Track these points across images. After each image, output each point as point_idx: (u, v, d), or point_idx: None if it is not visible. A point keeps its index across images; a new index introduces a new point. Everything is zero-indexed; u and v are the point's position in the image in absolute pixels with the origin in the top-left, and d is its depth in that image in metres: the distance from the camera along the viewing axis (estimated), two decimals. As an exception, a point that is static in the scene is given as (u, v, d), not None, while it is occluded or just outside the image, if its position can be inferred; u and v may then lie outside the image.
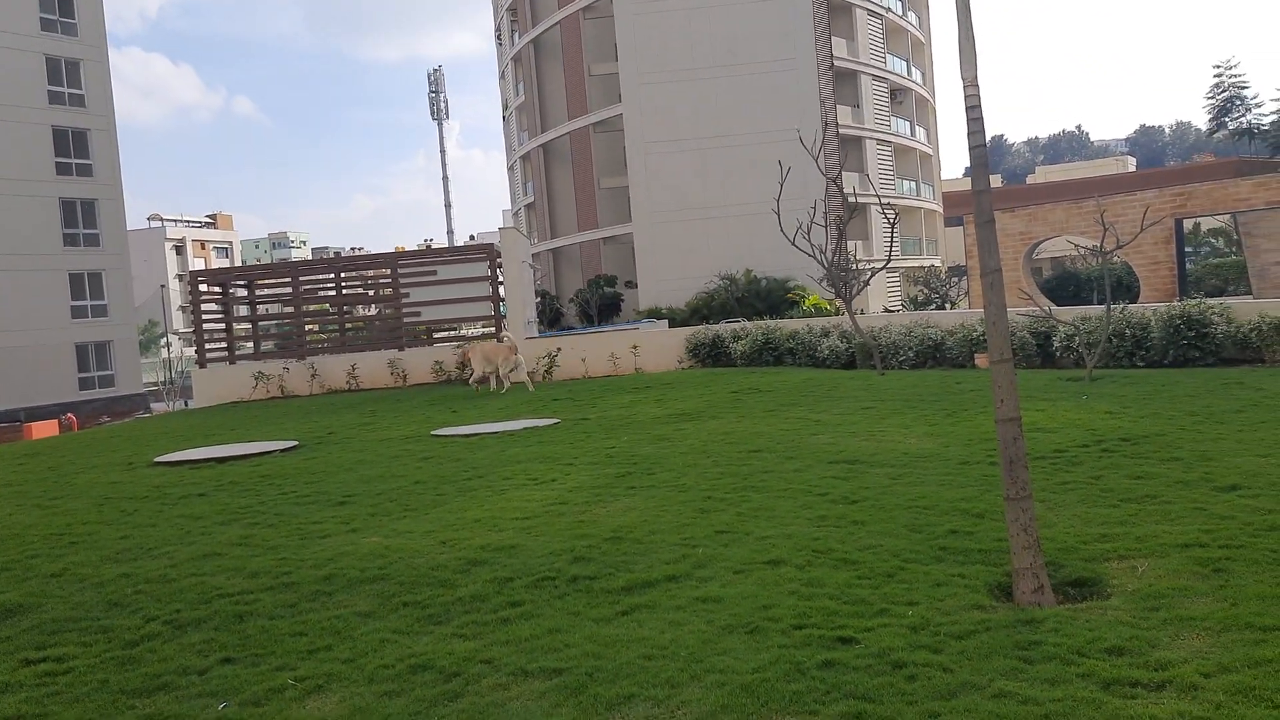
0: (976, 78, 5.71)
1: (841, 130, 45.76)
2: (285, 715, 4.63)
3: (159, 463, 12.57)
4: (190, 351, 74.24)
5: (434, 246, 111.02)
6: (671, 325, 34.86)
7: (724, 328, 24.40)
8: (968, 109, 5.73)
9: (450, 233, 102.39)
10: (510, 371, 19.77)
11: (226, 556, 7.38)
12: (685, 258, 44.05)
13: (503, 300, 25.41)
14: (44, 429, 28.56)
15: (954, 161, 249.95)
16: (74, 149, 45.26)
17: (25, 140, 43.10)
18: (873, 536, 6.77)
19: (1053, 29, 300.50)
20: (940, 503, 7.54)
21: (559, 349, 23.64)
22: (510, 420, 14.53)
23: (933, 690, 4.31)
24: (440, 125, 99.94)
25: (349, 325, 27.50)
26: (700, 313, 40.17)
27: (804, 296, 39.16)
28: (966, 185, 65.24)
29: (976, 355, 18.41)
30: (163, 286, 74.05)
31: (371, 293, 28.60)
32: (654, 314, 40.72)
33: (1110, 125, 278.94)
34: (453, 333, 28.30)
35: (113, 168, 46.94)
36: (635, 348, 23.79)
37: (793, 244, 20.22)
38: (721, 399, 15.27)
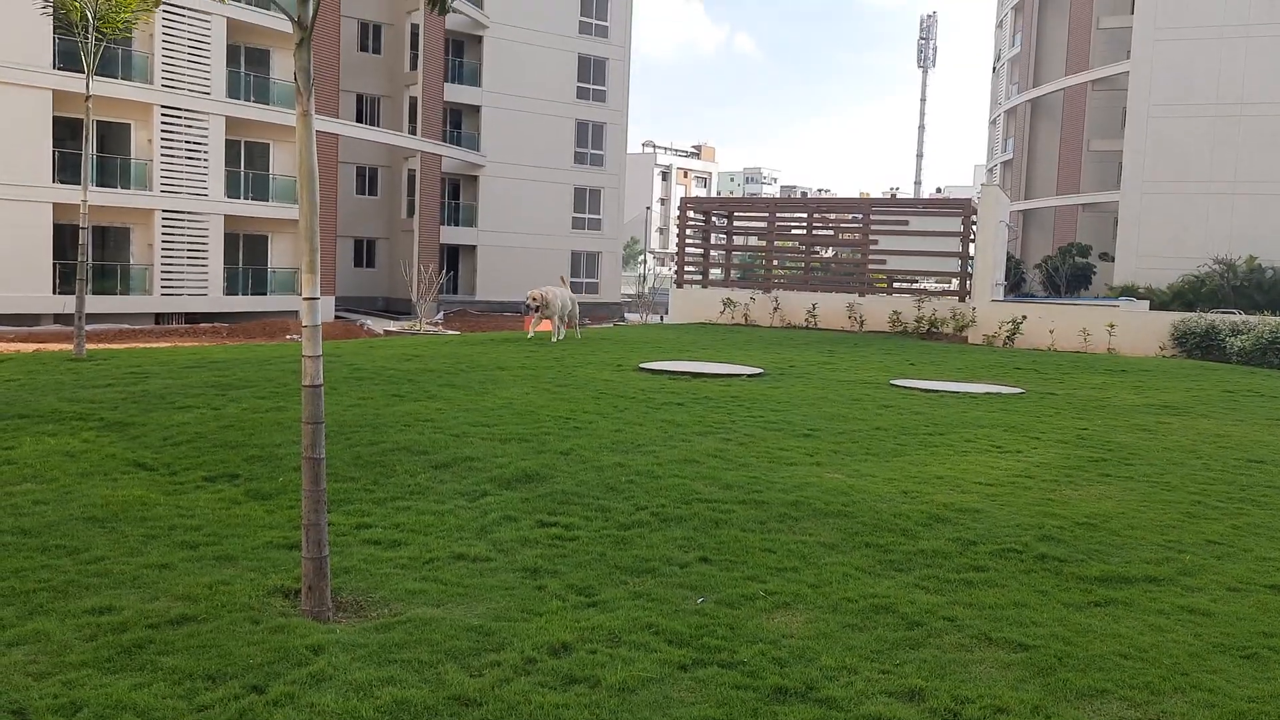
0: None
1: None
2: (755, 622, 5.01)
3: (643, 368, 13.86)
4: (661, 270, 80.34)
5: (899, 195, 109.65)
6: (1150, 308, 31.70)
7: (1220, 318, 21.79)
8: None
9: (918, 183, 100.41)
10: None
11: (704, 465, 8.03)
12: (1174, 235, 39.67)
13: (970, 258, 24.55)
14: (540, 323, 32.37)
15: None
16: (593, 76, 50.16)
17: (556, 65, 48.46)
18: None
19: None
20: None
21: (1024, 316, 22.58)
22: (971, 382, 14.16)
23: None
24: (925, 73, 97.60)
25: (813, 265, 28.14)
26: (1184, 297, 36.07)
27: (1315, 298, 33.73)
28: None
29: None
30: (647, 208, 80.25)
31: (840, 235, 28.95)
32: (1129, 292, 37.28)
33: None
34: (912, 284, 27.93)
35: (623, 96, 51.41)
36: (1111, 326, 21.99)
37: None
38: (1213, 396, 13.72)
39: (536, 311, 18.00)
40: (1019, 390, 13.51)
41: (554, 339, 17.98)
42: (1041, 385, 14.23)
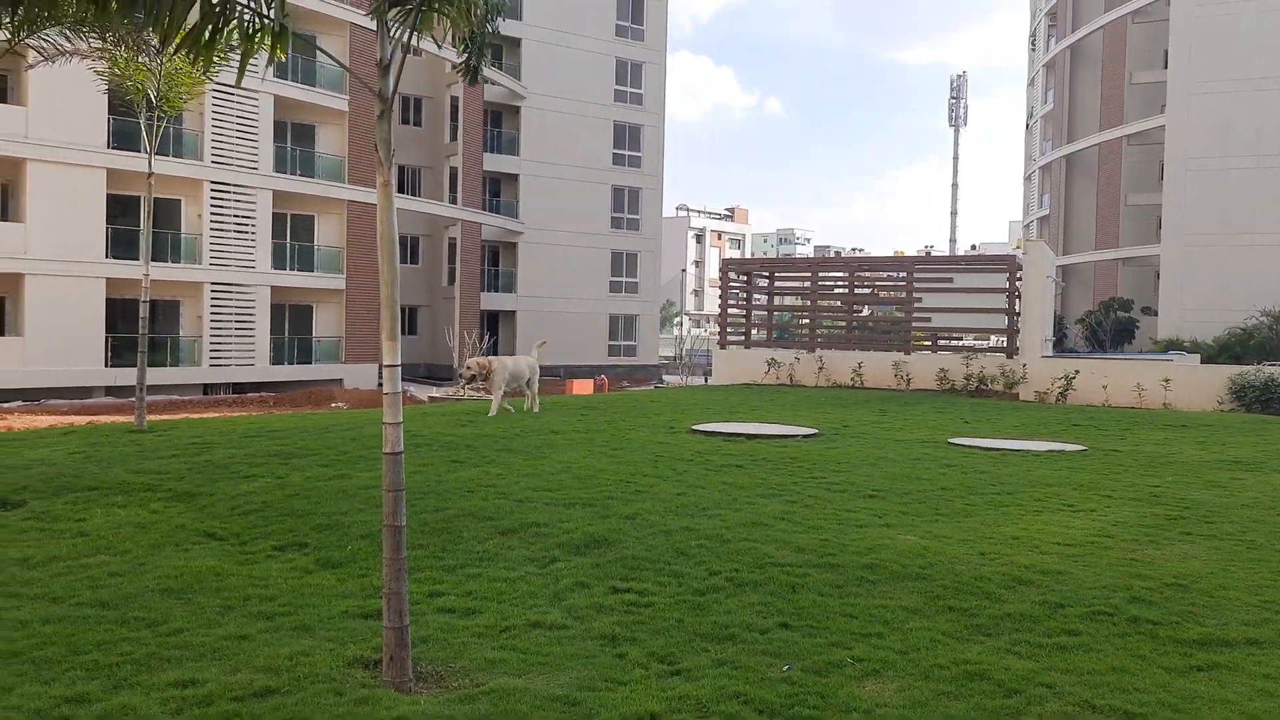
0: None
1: None
2: (846, 691, 4.86)
3: (696, 430, 13.78)
4: (697, 331, 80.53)
5: (934, 253, 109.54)
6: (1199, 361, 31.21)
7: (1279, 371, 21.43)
8: None
9: (953, 241, 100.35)
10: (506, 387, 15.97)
11: (772, 528, 7.91)
12: (1219, 287, 39.24)
13: (1018, 314, 24.35)
14: (582, 386, 32.37)
15: None
16: (628, 143, 50.84)
17: (592, 133, 49.20)
18: None
19: None
20: None
21: (1076, 371, 22.30)
22: (1030, 440, 13.93)
23: None
24: (957, 131, 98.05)
25: (854, 324, 28.07)
26: (1231, 350, 35.45)
27: (1367, 348, 33.02)
28: None
29: None
30: (683, 271, 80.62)
31: (882, 294, 28.88)
32: (1174, 345, 36.76)
33: None
34: (951, 340, 27.75)
35: (658, 161, 52.01)
36: (1166, 381, 21.64)
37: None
38: (1282, 451, 13.39)
39: (472, 382, 15.70)
40: (1082, 447, 13.27)
41: (491, 412, 15.24)
42: (1103, 442, 13.96)
